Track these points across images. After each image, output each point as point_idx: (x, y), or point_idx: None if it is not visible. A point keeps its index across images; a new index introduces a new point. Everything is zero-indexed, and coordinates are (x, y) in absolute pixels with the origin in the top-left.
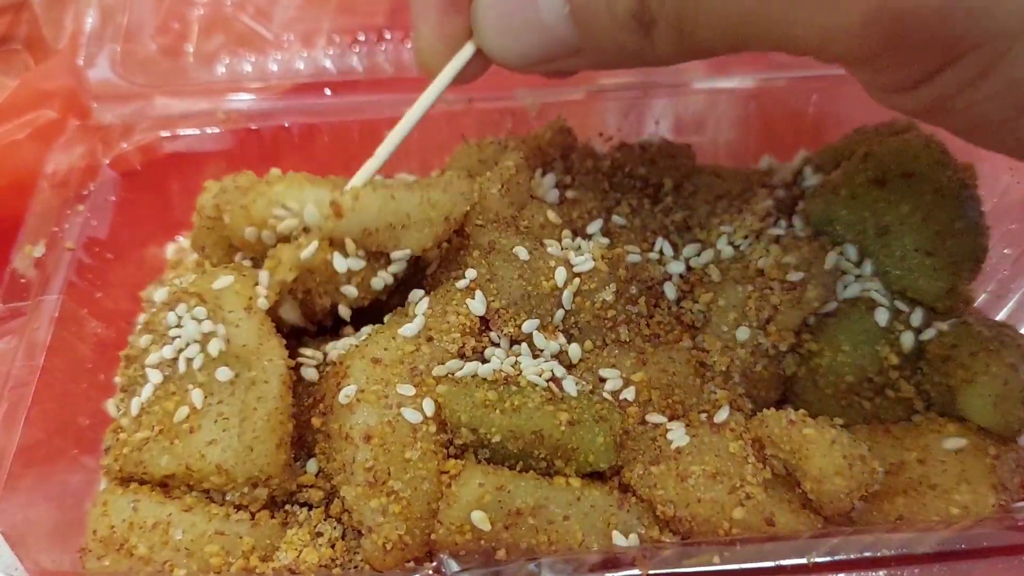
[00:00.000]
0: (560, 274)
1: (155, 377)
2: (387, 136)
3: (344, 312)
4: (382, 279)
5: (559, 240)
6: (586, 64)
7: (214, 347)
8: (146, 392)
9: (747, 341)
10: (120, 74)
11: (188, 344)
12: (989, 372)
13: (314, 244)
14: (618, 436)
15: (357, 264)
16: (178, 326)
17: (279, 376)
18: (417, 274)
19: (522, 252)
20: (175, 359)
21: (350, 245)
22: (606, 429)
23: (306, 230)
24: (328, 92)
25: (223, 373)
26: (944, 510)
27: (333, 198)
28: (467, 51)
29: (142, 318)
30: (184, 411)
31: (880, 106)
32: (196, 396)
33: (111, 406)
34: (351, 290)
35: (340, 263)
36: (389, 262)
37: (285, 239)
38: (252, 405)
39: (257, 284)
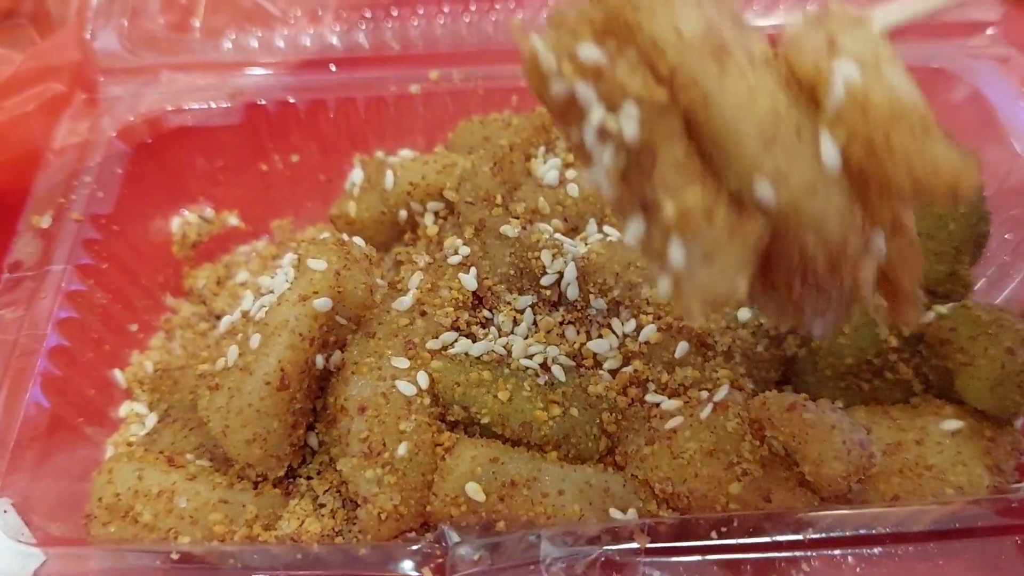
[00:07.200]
0: (546, 256)
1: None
2: None
3: None
4: None
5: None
6: None
7: (261, 312)
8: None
9: (749, 322)
10: (127, 48)
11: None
12: (987, 356)
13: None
14: (609, 426)
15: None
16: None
17: (264, 375)
18: None
19: (510, 231)
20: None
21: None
22: (595, 423)
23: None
24: (333, 68)
25: (255, 340)
26: (939, 490)
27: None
28: None
29: None
30: (221, 361)
31: None
32: (232, 352)
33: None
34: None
35: None
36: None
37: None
38: (237, 387)
39: (315, 290)
